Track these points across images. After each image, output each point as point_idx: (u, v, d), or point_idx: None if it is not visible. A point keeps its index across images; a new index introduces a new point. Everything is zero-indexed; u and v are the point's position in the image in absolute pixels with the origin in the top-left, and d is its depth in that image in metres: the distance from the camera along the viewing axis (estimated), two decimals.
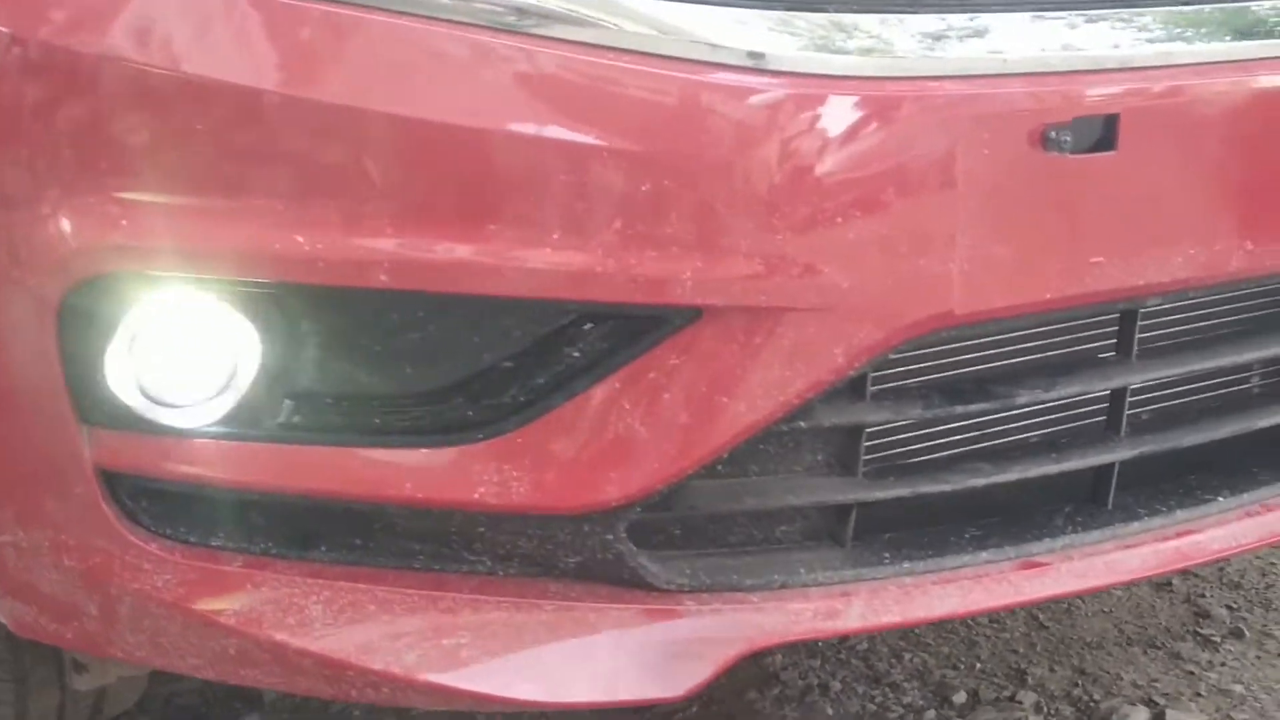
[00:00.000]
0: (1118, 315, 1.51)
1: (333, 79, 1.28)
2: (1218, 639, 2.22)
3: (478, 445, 1.35)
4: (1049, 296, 1.40)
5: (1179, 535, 1.56)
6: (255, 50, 1.29)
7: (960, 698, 2.07)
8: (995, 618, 2.22)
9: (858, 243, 1.31)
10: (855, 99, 1.31)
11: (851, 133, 1.31)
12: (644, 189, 1.27)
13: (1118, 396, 1.54)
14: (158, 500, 1.41)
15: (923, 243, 1.33)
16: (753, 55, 1.30)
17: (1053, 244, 1.39)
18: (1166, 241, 1.44)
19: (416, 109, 1.27)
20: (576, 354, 1.34)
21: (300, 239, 1.29)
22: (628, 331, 1.33)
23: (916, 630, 2.14)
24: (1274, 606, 2.32)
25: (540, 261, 1.28)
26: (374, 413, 1.37)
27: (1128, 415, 1.54)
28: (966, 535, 1.51)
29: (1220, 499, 1.60)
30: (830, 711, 2.03)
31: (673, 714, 1.99)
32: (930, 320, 1.36)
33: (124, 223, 1.30)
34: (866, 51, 1.34)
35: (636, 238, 1.28)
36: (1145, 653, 2.19)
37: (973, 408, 1.45)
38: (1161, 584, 2.32)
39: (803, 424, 1.39)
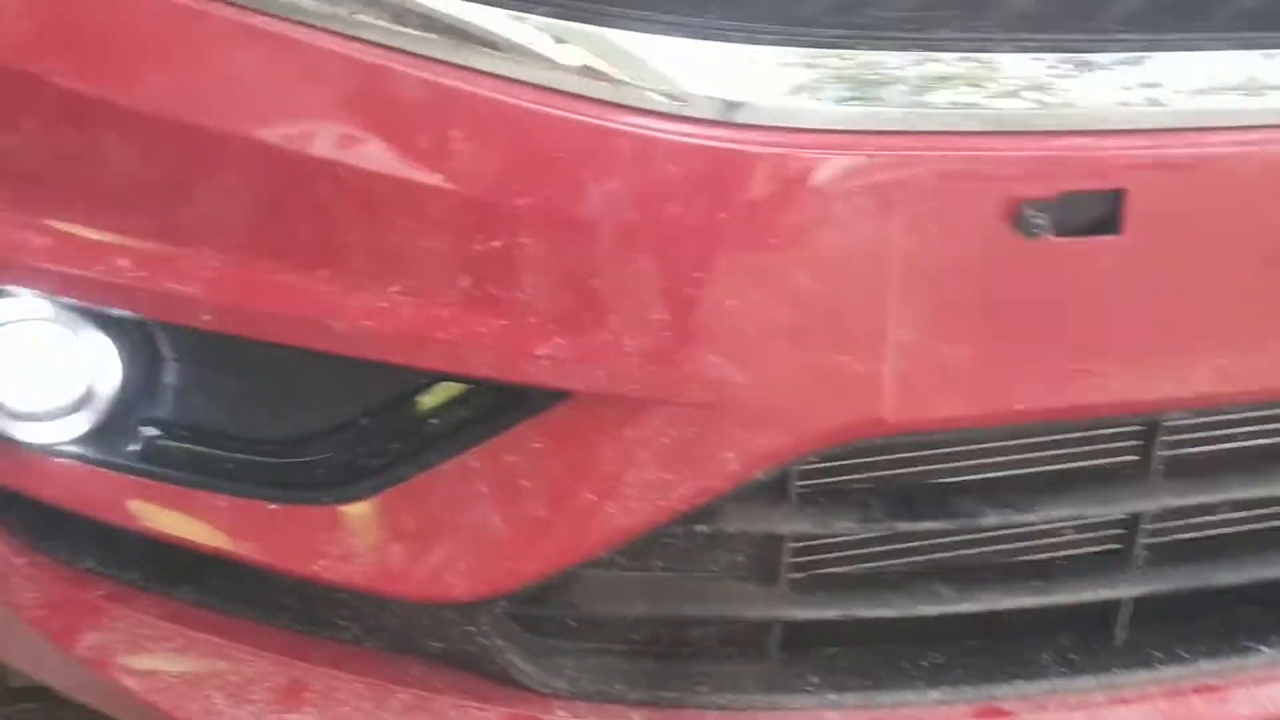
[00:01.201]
0: (1137, 429, 1.22)
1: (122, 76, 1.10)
2: None
3: (322, 509, 1.18)
4: (1020, 408, 1.13)
5: (1197, 691, 1.28)
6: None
7: None
8: None
9: (759, 333, 1.07)
10: (771, 158, 1.06)
11: (761, 199, 1.06)
12: (496, 245, 1.06)
13: (1131, 522, 1.26)
14: (28, 513, 1.29)
15: (845, 337, 1.08)
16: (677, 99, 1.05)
17: (1026, 345, 1.12)
18: (1185, 349, 1.15)
19: (219, 119, 1.07)
20: (434, 422, 1.16)
21: (123, 264, 1.13)
22: (488, 404, 1.14)
23: None
24: None
25: (371, 319, 1.09)
26: (227, 457, 1.22)
27: (1143, 544, 1.26)
28: (923, 663, 1.26)
29: (1266, 648, 1.30)
30: None
31: None
32: (853, 428, 1.11)
33: None
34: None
35: (486, 302, 1.07)
36: None
37: (923, 525, 1.20)
38: None
39: (703, 528, 1.17)
